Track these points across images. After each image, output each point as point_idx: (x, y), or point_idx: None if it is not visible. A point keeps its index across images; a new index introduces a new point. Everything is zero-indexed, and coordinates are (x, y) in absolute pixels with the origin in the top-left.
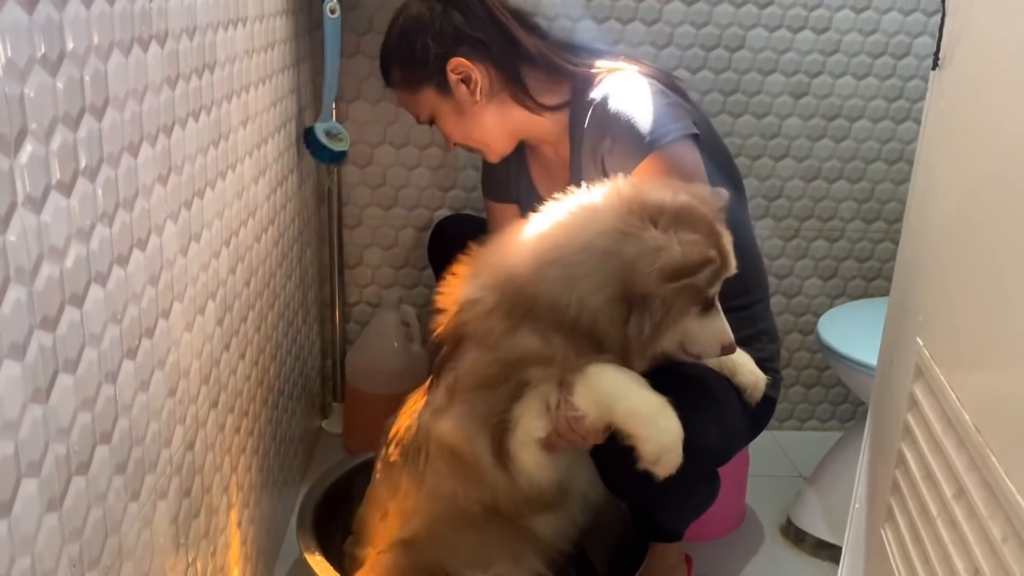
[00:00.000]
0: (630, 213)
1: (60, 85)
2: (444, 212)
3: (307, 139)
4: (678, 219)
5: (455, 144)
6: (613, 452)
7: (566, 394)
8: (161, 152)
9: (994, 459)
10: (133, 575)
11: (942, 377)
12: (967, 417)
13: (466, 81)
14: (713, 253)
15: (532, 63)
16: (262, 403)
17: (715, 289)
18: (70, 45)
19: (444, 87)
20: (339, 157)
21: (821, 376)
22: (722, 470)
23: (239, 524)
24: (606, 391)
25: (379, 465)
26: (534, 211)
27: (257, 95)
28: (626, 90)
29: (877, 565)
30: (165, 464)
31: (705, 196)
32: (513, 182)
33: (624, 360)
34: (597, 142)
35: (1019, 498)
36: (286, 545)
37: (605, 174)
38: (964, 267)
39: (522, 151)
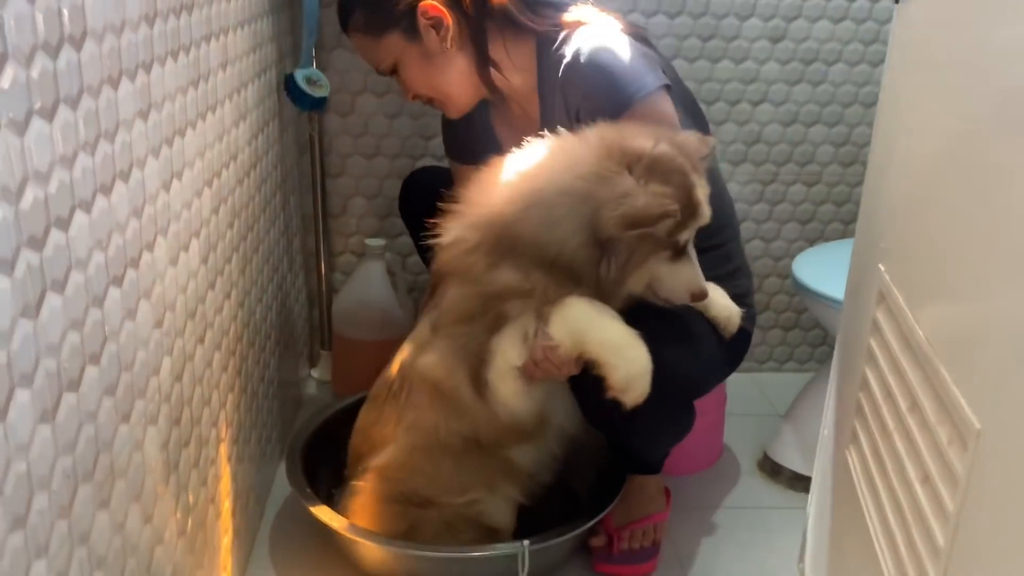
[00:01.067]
0: (609, 158)
1: (39, 14)
2: (427, 161)
3: (287, 86)
4: (652, 168)
5: (414, 96)
6: (591, 382)
7: (542, 324)
8: (141, 88)
9: (943, 369)
10: (126, 493)
11: (901, 299)
12: (921, 334)
13: (436, 27)
14: (674, 207)
15: (497, 16)
16: (248, 345)
17: (685, 236)
18: None
19: (412, 32)
20: (319, 104)
21: (799, 319)
22: (700, 408)
23: (229, 458)
24: (580, 322)
25: (368, 401)
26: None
27: (236, 39)
28: (597, 45)
29: (842, 487)
30: (154, 392)
31: (689, 144)
32: (478, 142)
33: (599, 298)
34: (572, 100)
35: (963, 402)
36: (277, 483)
37: None
38: (922, 196)
39: (485, 111)
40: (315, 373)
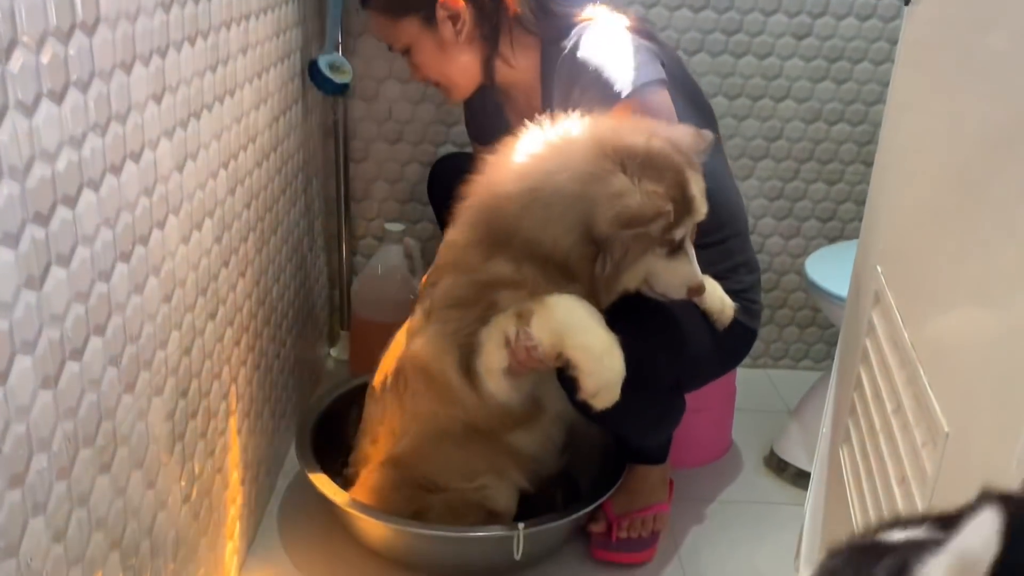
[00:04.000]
0: (603, 155)
1: (51, 2)
2: (448, 148)
3: (311, 71)
4: (646, 165)
5: (421, 78)
6: (571, 378)
7: (524, 323)
8: (155, 72)
9: (921, 371)
10: (128, 460)
11: (892, 301)
12: (907, 336)
13: (453, 19)
14: (668, 207)
15: (511, 20)
16: (264, 322)
17: (681, 233)
18: None
19: (430, 20)
20: (342, 89)
21: (816, 316)
22: (706, 402)
23: (239, 431)
24: (561, 322)
25: (369, 393)
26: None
27: (258, 24)
28: (594, 39)
29: (834, 484)
30: (160, 364)
31: (683, 139)
32: (492, 127)
33: (592, 293)
34: (567, 92)
35: (935, 404)
36: (290, 458)
37: None
38: (921, 201)
39: (498, 98)
40: (334, 352)
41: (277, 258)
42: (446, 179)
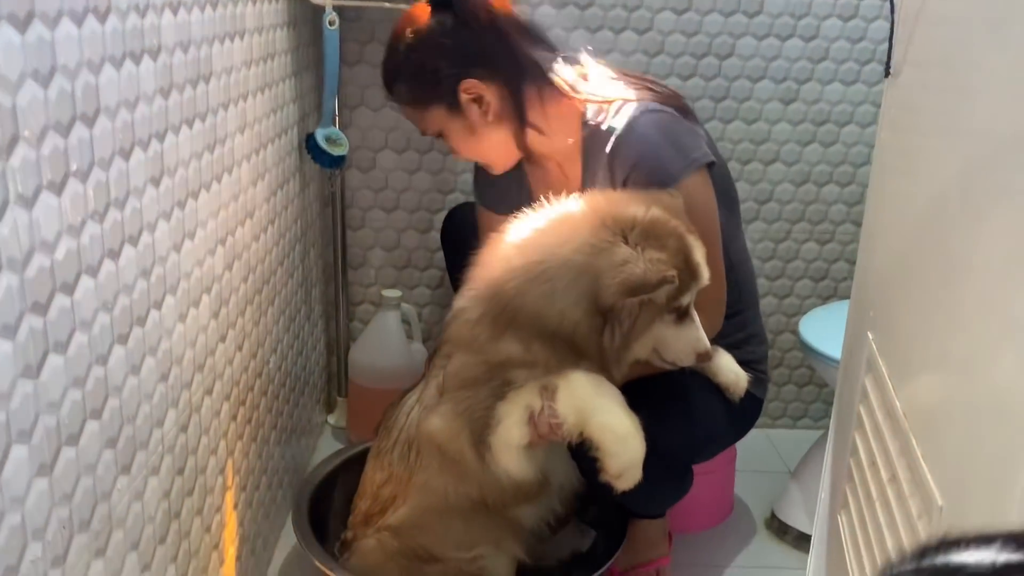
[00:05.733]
0: (603, 227)
1: (51, 96)
2: (443, 216)
3: (308, 145)
4: (647, 234)
5: (462, 159)
6: (589, 458)
7: (549, 399)
8: (153, 156)
9: (914, 442)
10: (123, 543)
11: (884, 369)
12: (899, 405)
13: (477, 101)
14: (672, 273)
15: (541, 82)
16: (260, 393)
17: (687, 299)
18: (61, 60)
19: (455, 107)
20: (339, 162)
21: (813, 375)
22: (708, 466)
23: (236, 506)
24: (586, 401)
25: (373, 453)
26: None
27: (255, 103)
28: (647, 122)
29: (834, 550)
30: (157, 443)
31: (670, 204)
32: (511, 194)
33: (603, 367)
34: (619, 171)
35: (929, 477)
36: (287, 530)
37: None
38: (907, 268)
39: (521, 163)
40: (331, 419)
41: (274, 329)
42: (462, 227)
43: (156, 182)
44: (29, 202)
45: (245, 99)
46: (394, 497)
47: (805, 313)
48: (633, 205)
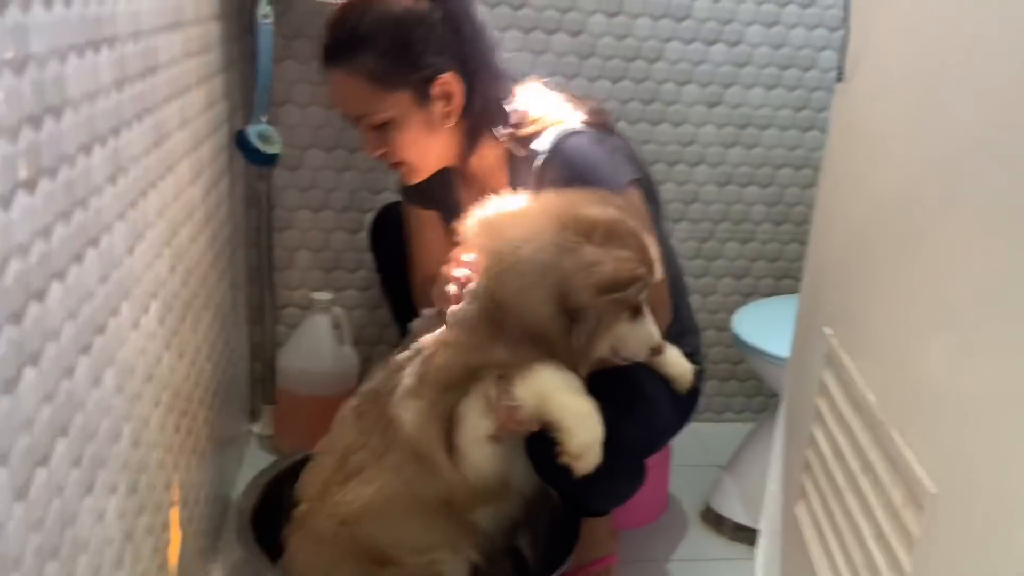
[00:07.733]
0: (565, 228)
1: (26, 86)
2: (372, 216)
3: (239, 142)
4: (610, 234)
5: (381, 156)
6: (546, 444)
7: (506, 385)
8: (111, 153)
9: (895, 433)
10: (88, 568)
11: (849, 364)
12: (871, 398)
13: (447, 98)
14: (643, 270)
15: (504, 101)
16: (199, 404)
17: (644, 296)
18: (34, 48)
19: (422, 97)
20: (272, 160)
21: (735, 370)
22: (647, 462)
23: (181, 522)
24: (544, 385)
25: (345, 417)
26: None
27: (194, 98)
28: (572, 145)
29: (792, 542)
30: (114, 460)
31: (622, 204)
32: (437, 191)
33: (571, 368)
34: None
35: (915, 466)
36: (224, 540)
37: None
38: (867, 263)
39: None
40: (256, 428)
41: (209, 335)
42: (392, 227)
43: (113, 180)
44: (7, 200)
45: (184, 94)
46: (361, 469)
47: (727, 310)
48: (590, 205)
